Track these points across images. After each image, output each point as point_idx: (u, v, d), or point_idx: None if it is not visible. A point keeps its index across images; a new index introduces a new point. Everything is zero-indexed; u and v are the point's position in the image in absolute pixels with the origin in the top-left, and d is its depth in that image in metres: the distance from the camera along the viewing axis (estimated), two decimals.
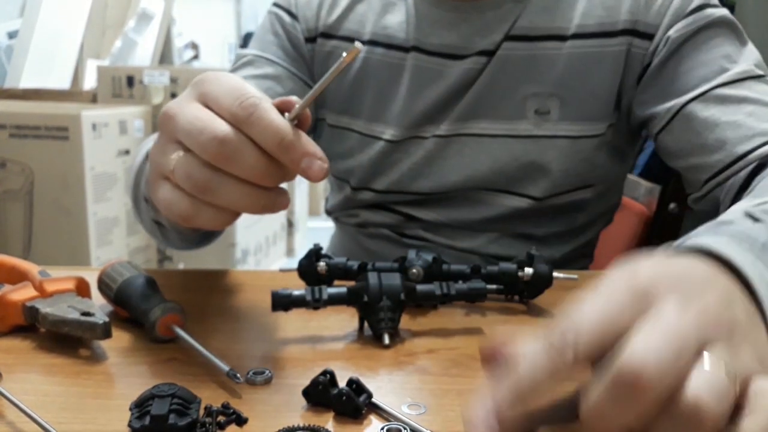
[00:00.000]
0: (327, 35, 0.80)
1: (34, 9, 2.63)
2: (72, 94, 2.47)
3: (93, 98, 2.35)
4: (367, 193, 0.81)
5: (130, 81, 2.29)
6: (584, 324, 0.26)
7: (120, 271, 0.52)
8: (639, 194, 1.10)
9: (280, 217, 3.01)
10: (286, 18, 0.81)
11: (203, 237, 0.64)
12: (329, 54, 0.80)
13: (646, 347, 0.25)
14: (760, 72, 0.66)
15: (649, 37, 0.69)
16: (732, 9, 1.83)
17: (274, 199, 0.43)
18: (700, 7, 0.68)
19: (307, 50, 0.81)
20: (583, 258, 0.84)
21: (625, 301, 0.27)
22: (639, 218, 1.07)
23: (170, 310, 0.48)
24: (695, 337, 0.26)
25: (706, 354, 0.26)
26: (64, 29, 2.68)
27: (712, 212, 0.68)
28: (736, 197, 0.63)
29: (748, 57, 0.67)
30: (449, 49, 0.74)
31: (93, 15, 2.70)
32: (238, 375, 0.41)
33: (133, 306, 0.50)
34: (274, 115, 0.41)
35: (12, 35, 2.65)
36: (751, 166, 0.63)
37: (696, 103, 0.66)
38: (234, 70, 0.81)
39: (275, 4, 0.84)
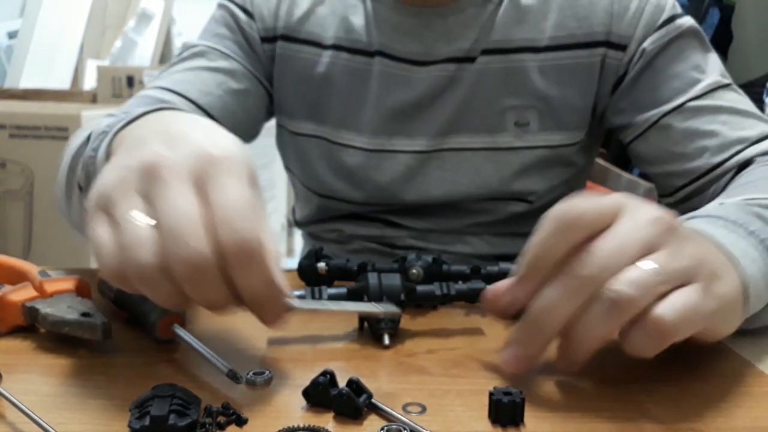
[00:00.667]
0: (288, 38, 0.77)
1: (34, 9, 2.63)
2: (72, 95, 2.47)
3: (93, 98, 2.35)
4: (343, 204, 0.79)
5: (130, 81, 2.29)
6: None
7: None
8: (639, 194, 1.10)
9: (280, 217, 3.01)
10: (241, 15, 0.78)
11: None
12: (290, 58, 0.78)
13: (602, 252, 0.37)
14: (727, 81, 0.71)
15: (622, 47, 0.71)
16: (732, 9, 1.83)
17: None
18: (671, 19, 0.71)
19: (264, 50, 0.78)
20: None
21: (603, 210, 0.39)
22: None
23: (170, 310, 0.48)
24: (641, 244, 0.37)
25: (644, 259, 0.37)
26: (64, 29, 2.67)
27: None
28: None
29: (714, 66, 0.71)
30: (415, 56, 0.73)
31: (93, 15, 2.69)
32: (238, 375, 0.41)
33: (133, 306, 0.50)
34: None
35: (12, 35, 2.64)
36: (730, 174, 0.66)
37: (673, 115, 0.69)
38: (181, 60, 0.78)
39: None
